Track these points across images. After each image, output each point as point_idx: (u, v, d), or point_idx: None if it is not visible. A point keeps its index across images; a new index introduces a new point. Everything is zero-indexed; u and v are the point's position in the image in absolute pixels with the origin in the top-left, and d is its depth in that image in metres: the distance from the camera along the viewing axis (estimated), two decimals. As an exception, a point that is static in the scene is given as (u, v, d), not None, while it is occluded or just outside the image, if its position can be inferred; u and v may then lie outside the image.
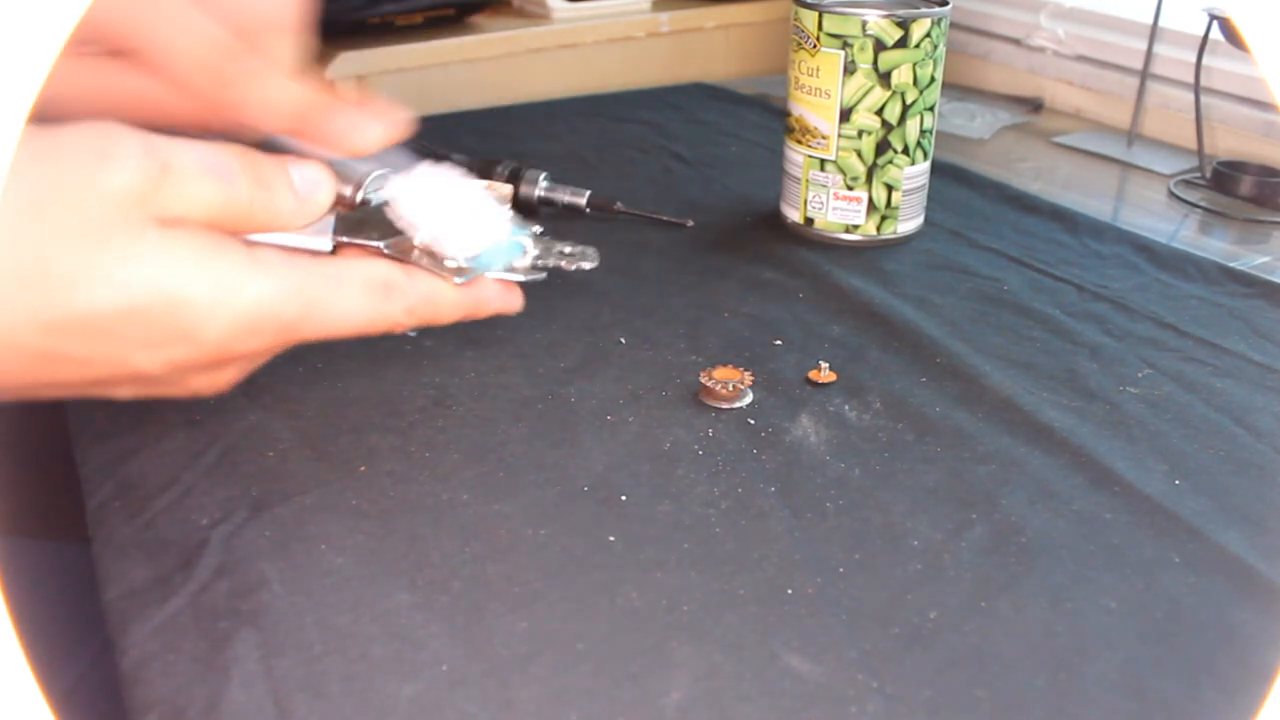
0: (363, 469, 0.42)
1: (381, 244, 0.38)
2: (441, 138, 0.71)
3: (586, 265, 0.42)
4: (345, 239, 0.38)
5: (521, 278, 0.41)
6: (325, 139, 0.38)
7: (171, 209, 0.32)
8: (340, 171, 0.40)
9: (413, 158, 0.40)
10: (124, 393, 0.35)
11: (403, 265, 0.38)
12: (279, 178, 0.35)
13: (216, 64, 0.37)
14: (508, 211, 0.41)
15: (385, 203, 0.39)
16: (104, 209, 0.30)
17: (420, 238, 0.39)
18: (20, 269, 0.29)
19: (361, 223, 0.38)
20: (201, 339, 0.33)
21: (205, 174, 0.32)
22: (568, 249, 0.42)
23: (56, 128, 0.30)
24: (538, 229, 0.42)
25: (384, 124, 0.38)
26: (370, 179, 0.39)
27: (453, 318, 0.39)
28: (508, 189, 0.43)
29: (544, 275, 0.41)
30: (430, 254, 0.39)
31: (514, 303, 0.41)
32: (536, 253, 0.41)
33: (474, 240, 0.39)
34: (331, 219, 0.38)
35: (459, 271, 0.39)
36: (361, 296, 0.36)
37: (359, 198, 0.39)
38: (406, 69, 1.02)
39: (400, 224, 0.39)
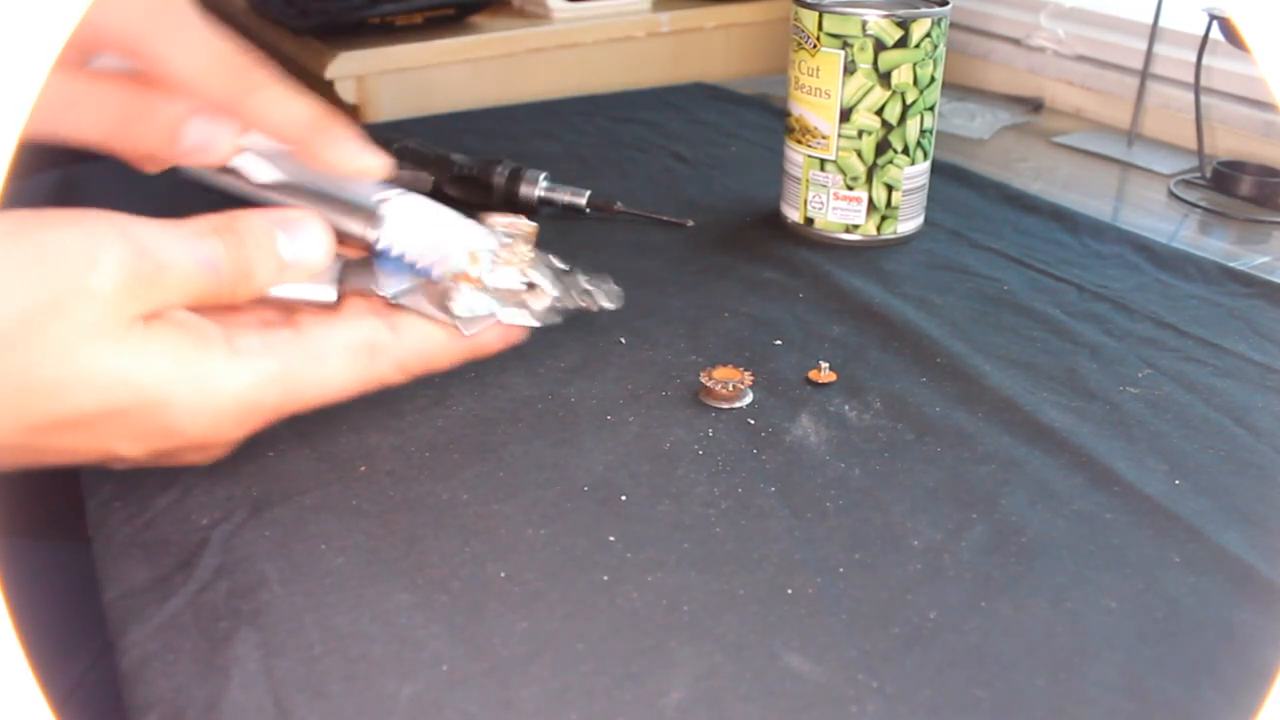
0: (363, 469, 0.42)
1: (387, 294, 0.38)
2: (442, 138, 0.71)
3: (608, 305, 0.42)
4: (351, 287, 0.38)
5: (536, 322, 0.41)
6: (322, 160, 0.38)
7: (158, 302, 0.33)
8: (348, 201, 0.39)
9: (386, 189, 0.40)
10: (118, 466, 0.36)
11: (392, 317, 0.38)
12: (264, 259, 0.35)
13: (225, 76, 0.37)
14: (530, 252, 0.40)
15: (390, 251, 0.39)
16: (91, 313, 0.31)
17: (421, 265, 0.38)
18: (6, 379, 0.30)
19: (369, 269, 0.38)
20: (185, 433, 0.34)
21: (196, 270, 0.33)
22: (587, 285, 0.42)
23: (42, 224, 0.31)
24: (563, 266, 0.42)
25: (378, 156, 0.38)
26: (378, 204, 0.39)
27: (449, 365, 0.40)
28: (531, 226, 0.42)
29: (560, 320, 0.41)
30: (439, 303, 0.38)
31: (516, 338, 0.41)
32: (556, 294, 0.41)
33: (473, 257, 0.39)
34: (337, 267, 0.38)
35: (468, 322, 0.38)
36: (345, 363, 0.37)
37: (374, 236, 0.38)
38: (406, 69, 1.02)
39: (404, 259, 0.39)
